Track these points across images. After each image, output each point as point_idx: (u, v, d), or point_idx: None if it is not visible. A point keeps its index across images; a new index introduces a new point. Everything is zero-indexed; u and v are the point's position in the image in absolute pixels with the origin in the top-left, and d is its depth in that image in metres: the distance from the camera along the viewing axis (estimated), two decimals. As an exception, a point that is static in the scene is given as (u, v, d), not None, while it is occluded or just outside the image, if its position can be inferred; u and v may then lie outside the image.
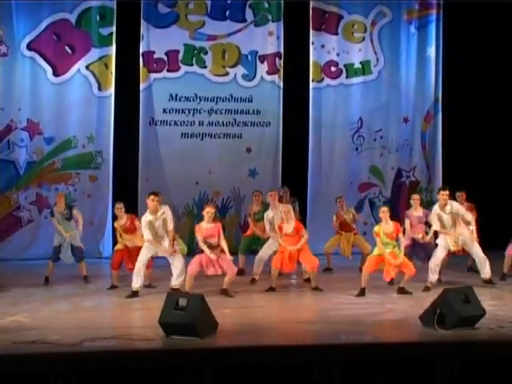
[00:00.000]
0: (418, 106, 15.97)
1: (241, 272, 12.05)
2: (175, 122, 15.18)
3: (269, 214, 11.95)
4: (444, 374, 7.24)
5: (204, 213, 10.61)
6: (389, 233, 10.51)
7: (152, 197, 10.51)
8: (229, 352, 7.47)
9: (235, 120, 15.36)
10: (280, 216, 11.30)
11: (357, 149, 15.74)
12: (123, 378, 6.98)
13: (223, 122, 15.32)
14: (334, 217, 12.88)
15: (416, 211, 11.75)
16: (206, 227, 10.49)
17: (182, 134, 15.22)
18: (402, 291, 10.58)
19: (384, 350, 7.56)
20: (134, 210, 14.28)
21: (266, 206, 12.43)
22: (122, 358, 7.19)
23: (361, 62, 15.70)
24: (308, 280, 11.22)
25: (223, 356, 7.39)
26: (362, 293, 10.48)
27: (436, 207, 11.10)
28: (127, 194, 14.63)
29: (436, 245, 11.24)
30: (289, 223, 11.01)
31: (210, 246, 10.36)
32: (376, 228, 10.70)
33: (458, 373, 7.24)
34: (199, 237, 10.44)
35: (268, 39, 15.35)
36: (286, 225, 11.03)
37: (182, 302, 7.81)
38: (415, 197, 12.08)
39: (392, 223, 10.64)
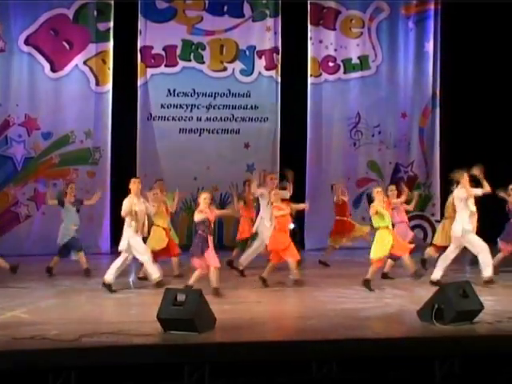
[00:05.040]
0: (416, 101, 15.99)
1: (229, 263, 12.22)
2: (173, 118, 15.18)
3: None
4: (444, 368, 7.25)
5: (200, 199, 10.13)
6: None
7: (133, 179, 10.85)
8: (227, 347, 7.46)
9: (233, 115, 15.35)
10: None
11: (355, 144, 15.75)
12: (122, 373, 6.99)
13: (221, 118, 15.32)
14: None
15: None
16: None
17: (180, 130, 15.23)
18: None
19: (382, 345, 7.56)
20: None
21: None
22: (120, 354, 7.19)
23: (359, 57, 15.71)
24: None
25: (221, 351, 7.39)
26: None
27: None
28: (125, 190, 14.62)
29: None
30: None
31: None
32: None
33: (458, 367, 7.26)
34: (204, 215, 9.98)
35: (266, 34, 15.34)
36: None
37: (181, 297, 7.82)
38: (392, 188, 12.19)
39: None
